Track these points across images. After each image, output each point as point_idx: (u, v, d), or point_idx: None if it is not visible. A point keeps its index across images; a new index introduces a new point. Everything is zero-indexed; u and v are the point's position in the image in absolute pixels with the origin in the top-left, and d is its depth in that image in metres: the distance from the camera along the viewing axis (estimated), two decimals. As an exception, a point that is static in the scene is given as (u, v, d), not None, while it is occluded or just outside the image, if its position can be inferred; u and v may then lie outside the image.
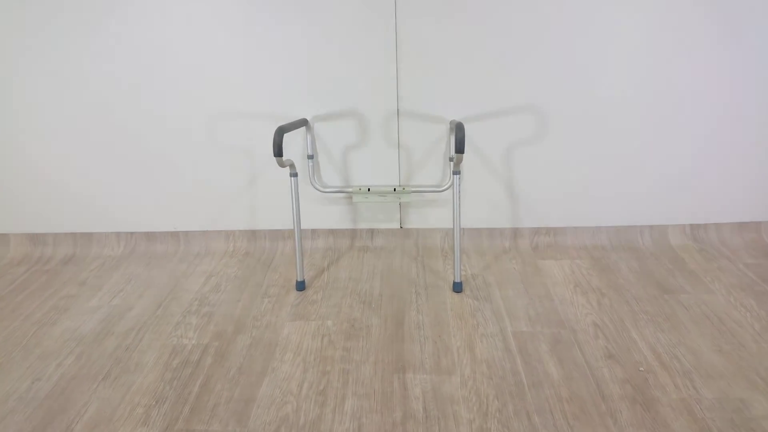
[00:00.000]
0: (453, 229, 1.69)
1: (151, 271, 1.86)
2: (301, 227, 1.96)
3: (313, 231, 1.98)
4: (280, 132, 1.45)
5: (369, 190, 1.83)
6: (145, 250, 2.00)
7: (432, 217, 1.94)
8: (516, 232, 1.95)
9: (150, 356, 1.44)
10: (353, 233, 1.98)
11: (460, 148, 1.42)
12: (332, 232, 1.98)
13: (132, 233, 2.01)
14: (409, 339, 1.47)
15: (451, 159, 1.80)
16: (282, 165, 1.48)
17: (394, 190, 1.83)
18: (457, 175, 1.60)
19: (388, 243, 1.97)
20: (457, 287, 1.67)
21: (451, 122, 1.75)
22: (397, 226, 1.97)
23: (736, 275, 1.71)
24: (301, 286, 1.71)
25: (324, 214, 1.95)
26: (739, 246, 1.88)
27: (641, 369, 1.34)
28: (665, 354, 1.38)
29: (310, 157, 1.82)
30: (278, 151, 1.44)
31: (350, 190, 1.84)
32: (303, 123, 1.70)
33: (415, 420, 1.20)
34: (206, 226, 1.98)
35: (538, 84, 1.73)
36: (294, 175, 1.63)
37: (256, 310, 1.62)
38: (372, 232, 1.98)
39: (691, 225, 1.92)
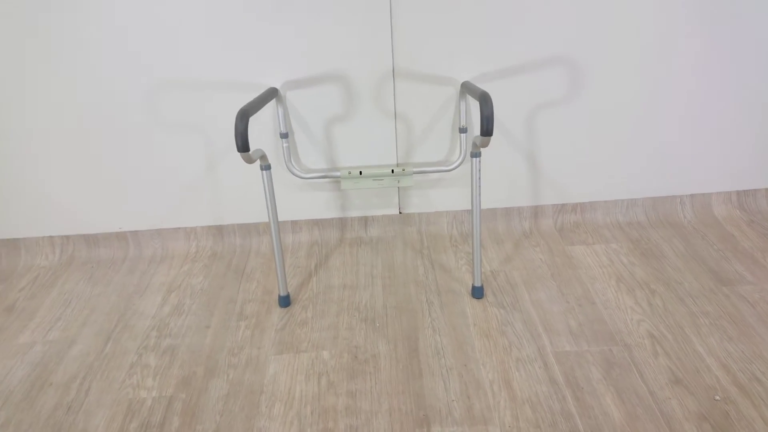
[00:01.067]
0: (472, 221, 1.37)
1: (95, 288, 1.50)
2: (279, 220, 1.61)
3: (294, 223, 1.63)
4: (244, 117, 1.06)
5: (360, 173, 1.48)
6: (87, 258, 1.63)
7: (437, 199, 1.60)
8: (537, 211, 1.63)
9: (99, 418, 1.11)
10: (342, 223, 1.64)
11: (488, 129, 1.07)
12: (317, 223, 1.64)
13: (69, 237, 1.62)
14: (429, 372, 1.18)
15: (462, 131, 1.44)
16: (249, 161, 1.11)
17: (392, 171, 1.48)
18: (478, 158, 1.26)
19: (386, 233, 1.64)
20: (478, 293, 1.37)
21: (463, 85, 1.38)
22: (395, 211, 1.63)
23: (800, 255, 1.45)
24: (285, 301, 1.38)
25: (306, 203, 1.59)
26: (794, 214, 1.61)
27: (717, 398, 1.09)
28: (741, 373, 1.13)
29: (284, 135, 1.43)
30: (243, 145, 1.06)
31: (337, 174, 1.48)
32: (272, 95, 1.31)
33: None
34: (160, 223, 1.61)
35: (565, 33, 1.36)
36: (266, 167, 1.26)
37: (231, 340, 1.29)
38: (366, 221, 1.64)
39: (737, 192, 1.64)
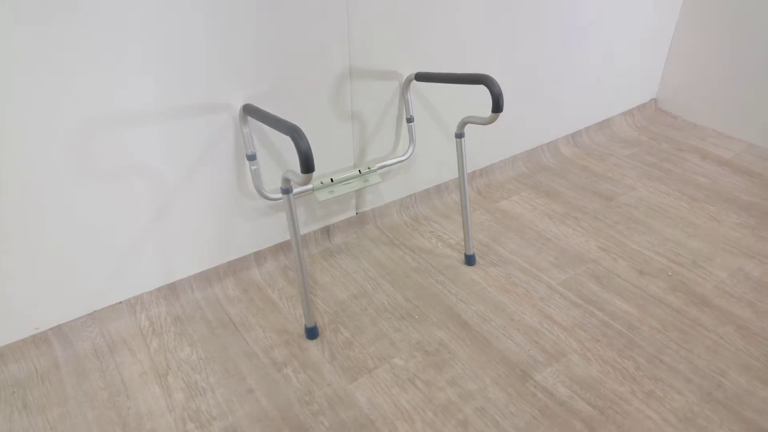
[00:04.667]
0: (461, 197, 1.48)
1: (46, 415, 1.10)
2: (239, 255, 1.43)
3: (257, 254, 1.46)
4: (302, 133, 0.96)
5: (332, 180, 1.43)
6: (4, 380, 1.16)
7: (386, 191, 1.65)
8: (456, 182, 1.83)
9: None
10: (305, 240, 1.54)
11: (500, 106, 1.20)
12: (280, 248, 1.50)
13: (-51, 369, 1.12)
14: (492, 337, 1.27)
15: (410, 120, 1.52)
16: (308, 182, 1.00)
17: (360, 172, 1.47)
18: (462, 138, 1.37)
19: (349, 237, 1.61)
20: (471, 260, 1.51)
21: (418, 75, 1.46)
22: (352, 213, 1.61)
23: (632, 167, 2.00)
24: (313, 333, 1.27)
25: (265, 229, 1.45)
26: (606, 142, 2.19)
27: (670, 274, 1.48)
28: (667, 254, 1.55)
29: (251, 157, 1.28)
30: (312, 164, 0.96)
31: (310, 187, 1.40)
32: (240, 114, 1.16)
33: (593, 418, 1.08)
34: (91, 305, 1.25)
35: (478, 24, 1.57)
36: (289, 190, 1.13)
37: (291, 391, 1.14)
38: (327, 230, 1.58)
39: (571, 134, 2.14)
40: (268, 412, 1.10)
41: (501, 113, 1.22)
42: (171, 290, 1.35)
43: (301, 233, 1.53)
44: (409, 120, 1.53)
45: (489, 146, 1.86)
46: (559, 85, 1.94)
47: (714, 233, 1.63)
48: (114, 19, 1.02)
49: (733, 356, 1.23)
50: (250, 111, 1.17)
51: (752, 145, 2.11)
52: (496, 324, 1.31)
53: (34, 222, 1.10)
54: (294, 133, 0.97)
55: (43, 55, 0.98)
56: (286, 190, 1.13)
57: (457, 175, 1.82)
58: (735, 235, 1.62)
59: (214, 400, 1.12)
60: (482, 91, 1.69)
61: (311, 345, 1.26)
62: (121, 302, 1.29)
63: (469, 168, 1.85)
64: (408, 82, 1.48)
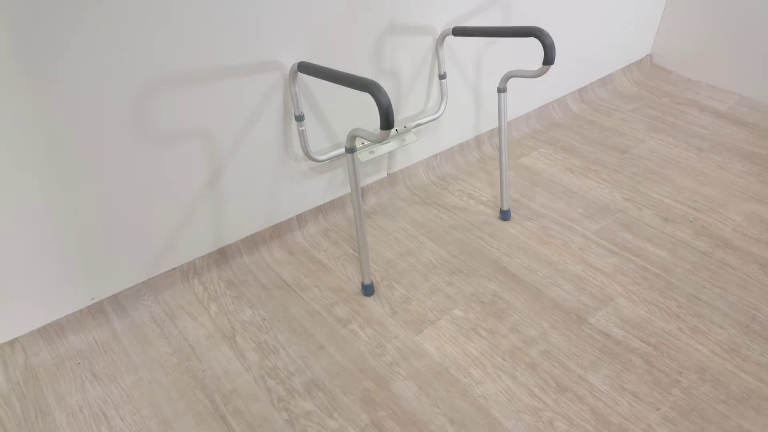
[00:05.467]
0: (500, 154, 1.51)
1: (120, 382, 1.09)
2: (283, 219, 1.43)
3: (299, 217, 1.46)
4: (382, 89, 0.96)
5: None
6: (57, 356, 1.13)
7: (414, 151, 1.66)
8: (477, 140, 1.86)
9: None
10: (342, 201, 1.55)
11: (551, 58, 1.22)
12: (320, 210, 1.50)
13: (15, 340, 1.08)
14: (542, 287, 1.33)
15: (442, 77, 1.52)
16: (384, 139, 1.00)
17: (396, 131, 1.47)
18: (504, 93, 1.39)
19: (381, 198, 1.62)
20: (507, 215, 1.55)
21: (455, 30, 1.45)
22: (384, 174, 1.62)
23: (638, 121, 2.07)
24: (370, 290, 1.29)
25: (306, 191, 1.44)
26: (610, 98, 2.25)
27: (692, 220, 1.57)
28: (686, 202, 1.64)
29: (300, 118, 1.26)
30: (392, 119, 0.96)
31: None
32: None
33: (649, 354, 1.16)
34: (147, 271, 1.23)
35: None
36: (354, 149, 1.13)
37: (361, 345, 1.17)
38: (362, 192, 1.58)
39: (579, 90, 2.19)
40: (344, 366, 1.12)
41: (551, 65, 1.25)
42: (221, 255, 1.34)
43: (338, 195, 1.53)
44: (442, 77, 1.53)
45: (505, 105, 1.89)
46: (564, 42, 1.97)
47: (723, 181, 1.73)
48: (173, -27, 0.97)
49: (761, 292, 1.33)
50: (306, 69, 1.15)
51: (744, 97, 2.21)
52: (543, 274, 1.37)
53: (91, 188, 1.07)
54: (373, 88, 0.96)
55: (102, 15, 0.93)
56: (351, 149, 1.13)
57: (475, 134, 1.85)
58: (742, 182, 1.72)
59: (288, 358, 1.14)
60: (503, 46, 1.71)
61: (370, 301, 1.28)
62: (174, 268, 1.27)
63: (486, 127, 1.87)
64: (443, 37, 1.47)
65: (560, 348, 1.18)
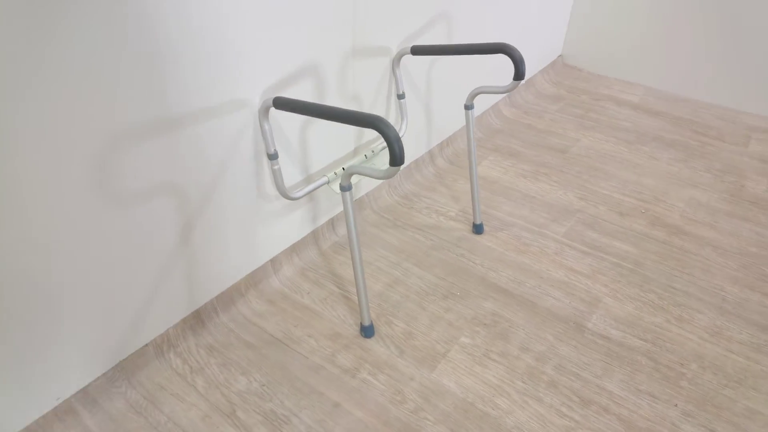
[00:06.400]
0: (470, 169, 1.49)
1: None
2: (257, 266, 1.30)
3: (273, 261, 1.33)
4: (388, 124, 0.89)
5: (344, 169, 1.34)
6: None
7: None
8: (431, 154, 1.83)
9: None
10: (314, 235, 1.44)
11: (521, 74, 1.22)
12: (293, 250, 1.39)
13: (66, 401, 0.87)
14: (533, 298, 1.33)
15: (401, 97, 1.48)
16: (392, 175, 0.93)
17: (366, 157, 1.40)
18: (471, 110, 1.37)
19: (351, 226, 1.53)
20: (480, 229, 1.54)
21: (413, 49, 1.40)
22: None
23: (566, 121, 2.17)
24: (370, 331, 1.21)
25: (277, 232, 1.32)
26: (535, 100, 2.33)
27: (643, 211, 1.67)
28: (632, 194, 1.73)
29: (273, 156, 1.15)
30: (403, 154, 0.90)
31: (326, 180, 1.30)
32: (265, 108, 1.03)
33: (649, 351, 1.20)
34: (115, 355, 1.05)
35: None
36: (348, 187, 1.04)
37: (378, 402, 1.08)
38: (332, 223, 1.48)
39: (509, 95, 2.25)
40: (367, 423, 1.04)
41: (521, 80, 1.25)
42: (196, 318, 1.19)
43: (310, 230, 1.43)
44: (400, 96, 1.48)
45: (447, 117, 1.88)
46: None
47: (657, 170, 1.86)
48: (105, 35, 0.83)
49: (722, 273, 1.43)
50: (284, 105, 1.04)
51: (650, 88, 2.41)
52: (531, 285, 1.37)
53: (44, 264, 0.88)
54: (379, 123, 0.89)
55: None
56: (347, 187, 1.05)
57: (428, 149, 1.82)
58: (674, 170, 1.86)
59: (303, 425, 1.03)
60: (455, 63, 1.70)
61: (372, 343, 1.20)
62: (147, 344, 1.10)
63: (437, 139, 1.86)
64: (399, 57, 1.43)
65: (571, 360, 1.18)
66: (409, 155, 1.72)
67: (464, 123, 1.98)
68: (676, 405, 1.09)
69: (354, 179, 1.35)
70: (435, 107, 1.74)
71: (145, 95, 0.90)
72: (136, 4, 0.83)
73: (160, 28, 0.88)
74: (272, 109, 1.11)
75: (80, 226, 0.90)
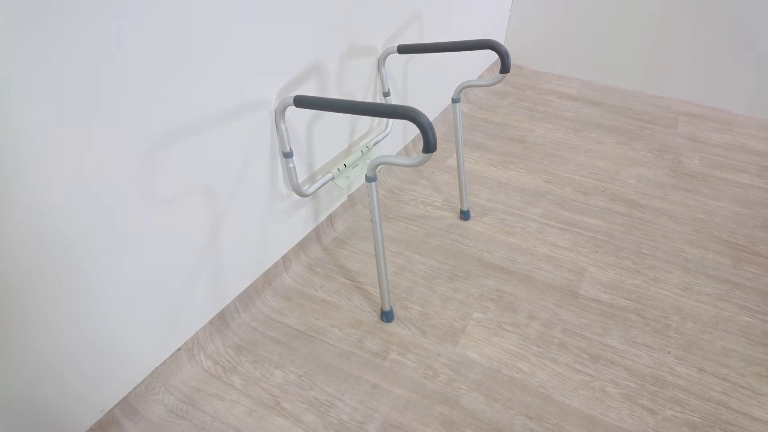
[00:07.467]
0: (457, 163, 1.57)
1: None
2: (270, 263, 1.32)
3: (284, 259, 1.35)
4: (421, 113, 0.96)
5: (345, 165, 1.39)
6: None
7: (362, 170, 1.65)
8: (406, 150, 1.91)
9: None
10: (317, 232, 1.47)
11: (507, 67, 1.33)
12: (300, 247, 1.41)
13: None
14: (529, 273, 1.45)
15: (387, 95, 1.54)
16: (424, 162, 0.99)
17: (362, 153, 1.45)
18: (458, 103, 1.47)
19: (348, 222, 1.58)
20: (467, 215, 1.64)
21: (399, 48, 1.47)
22: (344, 198, 1.57)
23: (519, 114, 2.33)
24: (390, 315, 1.27)
25: (287, 229, 1.34)
26: (487, 96, 2.49)
27: (602, 190, 1.84)
28: (590, 176, 1.91)
29: (288, 155, 1.18)
30: (435, 141, 0.97)
31: (331, 176, 1.34)
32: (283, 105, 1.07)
33: (637, 309, 1.35)
34: (150, 362, 1.03)
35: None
36: (373, 178, 1.09)
37: (414, 379, 1.14)
38: (331, 219, 1.52)
39: (463, 92, 2.38)
40: (407, 398, 1.09)
41: (507, 73, 1.36)
42: (221, 319, 1.19)
43: (312, 227, 1.46)
44: (386, 94, 1.55)
45: (431, 104, 1.98)
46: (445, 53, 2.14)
47: (606, 153, 2.05)
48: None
49: (680, 237, 1.63)
50: (307, 103, 1.08)
51: (585, 81, 2.64)
52: (524, 261, 1.49)
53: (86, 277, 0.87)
54: (413, 113, 0.96)
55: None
56: (372, 178, 1.10)
57: (404, 144, 1.91)
58: (619, 152, 2.07)
59: (349, 407, 1.07)
60: (424, 59, 1.79)
61: (394, 327, 1.26)
62: (179, 348, 1.09)
63: (411, 135, 1.94)
64: (385, 56, 1.50)
65: (573, 323, 1.30)
66: (390, 150, 1.79)
67: (434, 117, 2.09)
68: (669, 352, 1.25)
69: (362, 171, 1.40)
70: (411, 103, 1.83)
71: (179, 100, 0.91)
72: (188, 33, 0.84)
73: (196, 47, 0.89)
74: (287, 108, 1.14)
75: (119, 226, 0.89)
